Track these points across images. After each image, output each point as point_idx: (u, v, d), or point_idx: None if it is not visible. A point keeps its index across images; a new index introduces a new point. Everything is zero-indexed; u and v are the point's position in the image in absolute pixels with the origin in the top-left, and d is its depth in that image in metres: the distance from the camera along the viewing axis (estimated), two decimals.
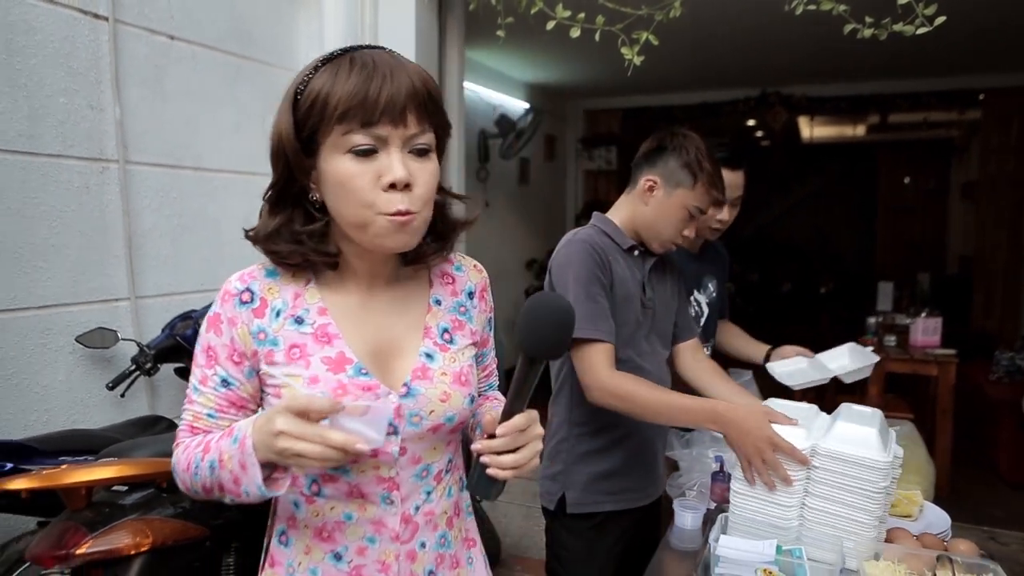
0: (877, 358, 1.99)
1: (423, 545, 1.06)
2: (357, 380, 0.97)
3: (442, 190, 1.07)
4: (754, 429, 1.45)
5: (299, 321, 1.00)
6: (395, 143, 0.92)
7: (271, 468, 0.92)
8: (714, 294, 2.26)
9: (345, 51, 0.95)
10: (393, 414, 0.97)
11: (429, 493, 1.06)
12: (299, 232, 0.99)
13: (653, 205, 1.79)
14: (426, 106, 0.94)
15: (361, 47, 0.97)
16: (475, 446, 0.93)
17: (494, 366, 1.24)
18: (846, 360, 2.15)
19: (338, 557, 1.02)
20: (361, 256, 1.02)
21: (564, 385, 1.83)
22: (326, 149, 0.93)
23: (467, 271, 1.15)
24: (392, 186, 0.92)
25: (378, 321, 1.03)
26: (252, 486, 0.90)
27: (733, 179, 2.11)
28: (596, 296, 1.67)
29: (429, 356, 1.04)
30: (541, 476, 1.88)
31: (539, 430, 0.95)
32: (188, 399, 1.03)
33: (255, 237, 1.01)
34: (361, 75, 0.91)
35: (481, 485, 0.95)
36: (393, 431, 0.98)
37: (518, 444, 0.92)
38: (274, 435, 0.84)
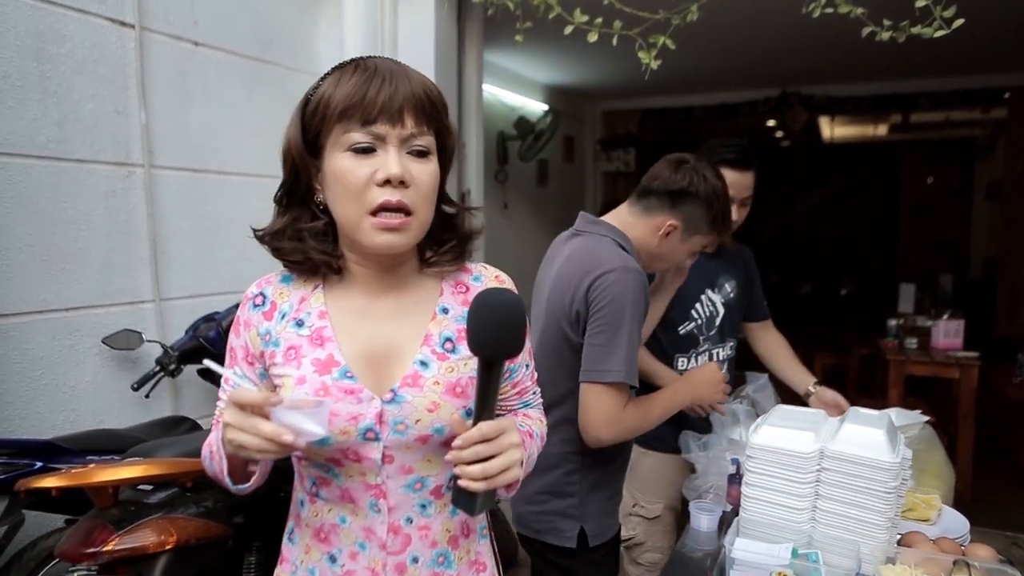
0: (925, 418, 1.93)
1: (415, 560, 1.04)
2: (341, 383, 0.98)
3: (452, 202, 1.10)
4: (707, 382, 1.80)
5: (299, 324, 1.03)
6: (393, 142, 0.95)
7: (252, 463, 0.99)
8: (732, 294, 2.25)
9: (354, 60, 1.00)
10: (375, 419, 0.98)
11: (425, 507, 1.04)
12: (301, 230, 1.03)
13: (665, 246, 1.77)
14: (424, 109, 0.96)
15: (369, 57, 1.01)
16: (447, 456, 0.90)
17: (528, 383, 1.19)
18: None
19: (333, 559, 1.04)
20: (363, 263, 1.04)
21: (574, 412, 1.65)
22: (328, 149, 0.97)
23: (486, 282, 1.12)
24: (387, 182, 0.94)
25: (377, 326, 1.04)
26: (225, 477, 0.98)
27: (742, 179, 2.12)
28: (637, 337, 1.61)
29: (424, 364, 1.02)
30: (540, 512, 1.71)
31: (513, 439, 0.92)
32: (219, 396, 1.09)
33: (262, 236, 1.06)
34: (362, 77, 0.96)
35: (460, 498, 0.90)
36: (375, 437, 0.98)
37: (489, 453, 0.89)
38: (224, 427, 0.88)
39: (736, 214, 2.13)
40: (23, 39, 2.03)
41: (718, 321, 2.21)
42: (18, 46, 2.02)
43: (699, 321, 2.16)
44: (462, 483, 0.88)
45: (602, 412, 1.57)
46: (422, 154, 0.97)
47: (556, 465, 1.69)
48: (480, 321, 0.87)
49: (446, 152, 1.05)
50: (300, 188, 1.03)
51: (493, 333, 0.86)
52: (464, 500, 0.90)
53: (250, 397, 0.85)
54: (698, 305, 2.17)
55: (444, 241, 1.08)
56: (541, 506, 1.71)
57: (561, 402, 1.67)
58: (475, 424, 0.89)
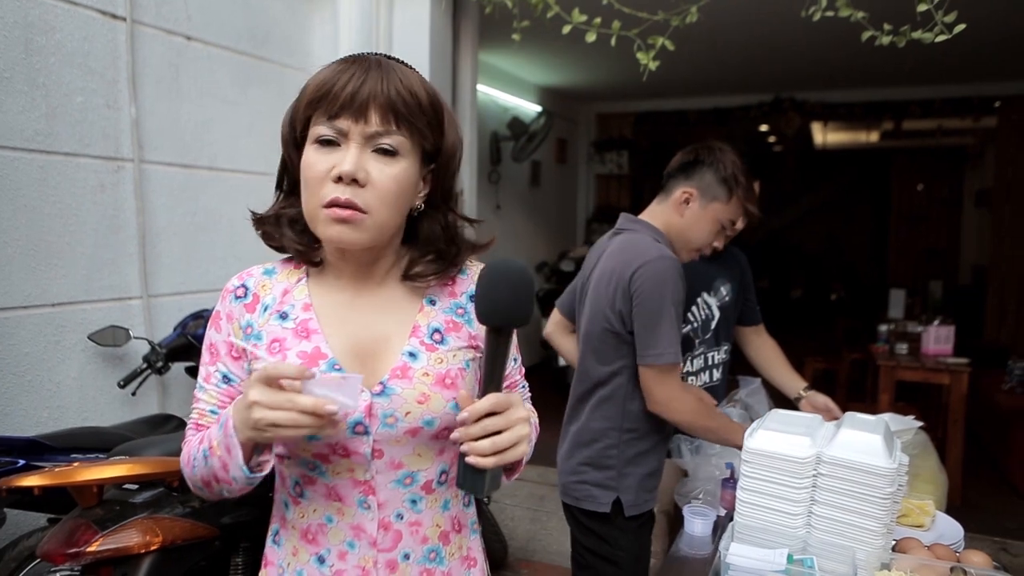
0: (918, 424, 1.95)
1: (407, 556, 1.02)
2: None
3: (452, 211, 1.08)
4: None
5: (283, 316, 1.00)
6: (355, 138, 0.93)
7: (259, 452, 0.94)
8: (727, 297, 2.25)
9: (351, 55, 0.98)
10: (364, 413, 0.95)
11: (415, 502, 1.01)
12: (281, 215, 1.03)
13: (688, 217, 1.88)
14: (395, 107, 0.93)
15: (366, 53, 0.99)
16: (454, 434, 0.87)
17: (517, 377, 1.18)
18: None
19: (321, 560, 1.01)
20: (342, 256, 1.02)
21: (616, 392, 1.84)
22: (306, 141, 0.97)
23: (472, 275, 1.11)
24: (340, 179, 0.92)
25: (364, 319, 1.02)
26: (236, 469, 0.91)
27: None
28: (679, 320, 1.76)
29: (412, 355, 0.99)
30: (581, 481, 1.87)
31: (520, 413, 0.89)
32: (195, 397, 1.05)
33: (256, 218, 1.06)
34: (336, 70, 0.94)
35: (468, 478, 0.87)
36: (364, 431, 0.96)
37: (498, 427, 0.86)
38: (248, 407, 0.84)
39: (739, 223, 2.14)
40: (11, 29, 2.00)
41: (713, 324, 2.20)
42: (6, 36, 1.99)
43: (695, 324, 2.15)
44: (471, 460, 0.85)
45: (664, 390, 1.75)
46: (388, 153, 0.94)
47: (597, 439, 1.85)
48: (490, 288, 0.85)
49: (442, 156, 1.02)
50: (289, 176, 1.04)
51: (504, 300, 0.84)
52: (471, 479, 0.87)
53: (286, 370, 0.82)
54: (694, 308, 2.16)
55: (427, 251, 1.05)
56: (581, 476, 1.87)
57: (605, 382, 1.84)
58: (482, 396, 0.86)
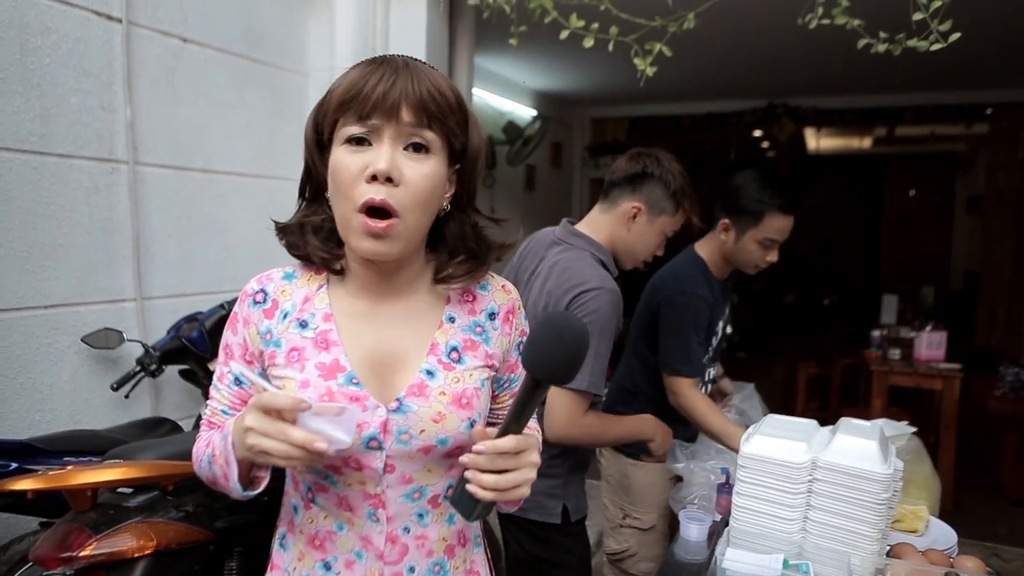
0: (912, 429, 1.96)
1: (412, 570, 1.02)
2: (346, 389, 0.95)
3: (478, 211, 1.08)
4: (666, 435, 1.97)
5: (303, 325, 1.00)
6: (388, 135, 0.92)
7: (257, 467, 0.96)
8: (728, 316, 2.28)
9: (375, 57, 0.98)
10: (379, 428, 0.95)
11: (422, 516, 1.02)
12: (304, 224, 1.02)
13: (635, 231, 1.85)
14: (426, 106, 0.93)
15: (391, 55, 0.99)
16: (463, 458, 0.88)
17: None
18: None
19: (327, 567, 1.01)
20: (365, 264, 1.01)
21: None
22: (333, 143, 0.96)
23: (492, 291, 1.10)
24: (374, 178, 0.91)
25: (383, 332, 1.01)
26: (234, 483, 0.94)
27: (786, 224, 2.10)
28: (608, 351, 1.71)
29: (430, 373, 1.00)
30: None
31: (533, 458, 0.90)
32: (210, 395, 1.06)
33: (279, 227, 1.05)
34: (364, 71, 0.94)
35: (462, 500, 0.88)
36: (378, 446, 0.96)
37: (507, 466, 0.87)
38: (244, 431, 0.85)
39: (775, 256, 2.13)
40: (6, 30, 1.99)
41: (715, 342, 2.21)
42: (1, 37, 1.98)
43: (711, 353, 2.18)
44: (470, 488, 0.86)
45: (564, 413, 1.68)
46: (419, 149, 0.94)
47: (541, 450, 1.81)
48: (545, 341, 0.83)
49: (467, 157, 1.03)
50: (313, 183, 1.03)
51: (555, 358, 0.82)
52: (464, 503, 0.88)
53: (281, 401, 0.83)
54: (713, 338, 2.18)
55: (457, 252, 1.04)
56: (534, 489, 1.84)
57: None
58: (502, 435, 0.87)
